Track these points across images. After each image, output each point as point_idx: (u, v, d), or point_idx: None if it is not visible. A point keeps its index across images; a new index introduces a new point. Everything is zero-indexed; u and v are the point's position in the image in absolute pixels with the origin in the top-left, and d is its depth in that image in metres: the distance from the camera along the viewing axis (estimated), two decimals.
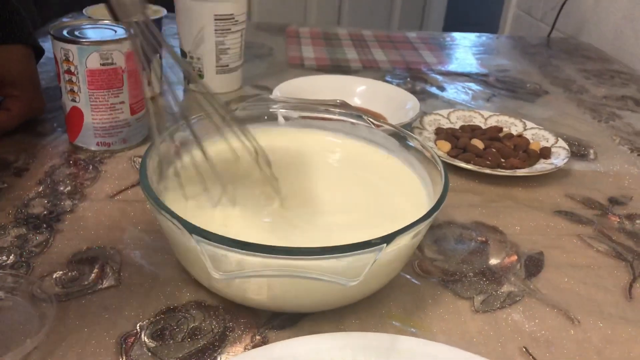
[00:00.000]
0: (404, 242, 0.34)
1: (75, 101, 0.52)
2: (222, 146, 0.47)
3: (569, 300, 0.40)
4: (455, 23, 2.20)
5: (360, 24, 2.06)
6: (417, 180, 0.45)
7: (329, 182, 0.45)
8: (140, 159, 0.54)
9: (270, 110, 0.50)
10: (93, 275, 0.39)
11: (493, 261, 0.44)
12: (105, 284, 0.38)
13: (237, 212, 0.39)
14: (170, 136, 0.45)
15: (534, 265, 0.44)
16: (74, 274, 0.39)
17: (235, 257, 0.31)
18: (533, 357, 0.35)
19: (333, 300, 0.35)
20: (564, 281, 0.42)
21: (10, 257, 0.40)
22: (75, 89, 0.52)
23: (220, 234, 0.31)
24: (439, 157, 0.42)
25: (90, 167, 0.52)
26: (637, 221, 0.51)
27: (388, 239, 0.32)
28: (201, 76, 0.71)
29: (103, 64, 0.51)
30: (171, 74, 0.75)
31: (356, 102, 0.68)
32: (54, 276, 0.39)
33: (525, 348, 0.36)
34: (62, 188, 0.49)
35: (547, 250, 0.46)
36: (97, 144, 0.54)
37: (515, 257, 0.44)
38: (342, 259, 0.30)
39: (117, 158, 0.54)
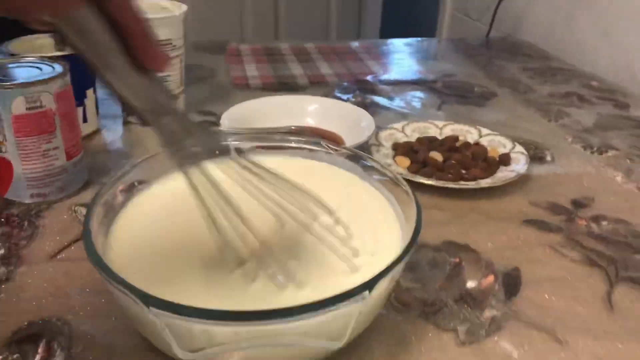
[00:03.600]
0: (385, 284, 0.31)
1: (1, 151, 0.47)
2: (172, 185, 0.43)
3: (553, 318, 0.39)
4: (393, 28, 2.22)
5: (298, 34, 2.05)
6: (384, 202, 0.42)
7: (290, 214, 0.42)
8: (81, 208, 0.50)
9: (223, 143, 0.46)
10: (38, 356, 0.34)
11: (470, 284, 0.42)
12: None
13: (187, 259, 0.36)
14: (113, 184, 0.40)
15: (512, 283, 0.42)
16: (15, 357, 0.34)
17: (200, 328, 0.27)
18: None
19: (314, 358, 0.32)
20: (544, 298, 0.41)
21: None
22: (0, 137, 0.47)
23: (178, 302, 0.27)
24: (402, 177, 0.40)
25: (26, 224, 0.47)
26: (603, 222, 0.50)
27: (370, 284, 0.29)
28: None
29: (30, 108, 0.46)
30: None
31: (309, 122, 0.65)
32: None
33: None
34: None
35: (522, 265, 0.44)
36: (32, 196, 0.49)
37: (492, 277, 0.43)
38: (324, 315, 0.28)
39: (55, 210, 0.49)
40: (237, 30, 2.02)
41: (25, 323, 0.37)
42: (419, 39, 1.11)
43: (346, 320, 0.29)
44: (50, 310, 0.38)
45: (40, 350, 0.35)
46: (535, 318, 0.39)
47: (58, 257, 0.43)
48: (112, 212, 0.39)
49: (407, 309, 0.39)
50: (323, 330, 0.28)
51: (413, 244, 0.33)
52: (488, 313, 0.39)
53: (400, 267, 0.32)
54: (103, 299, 0.39)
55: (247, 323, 0.27)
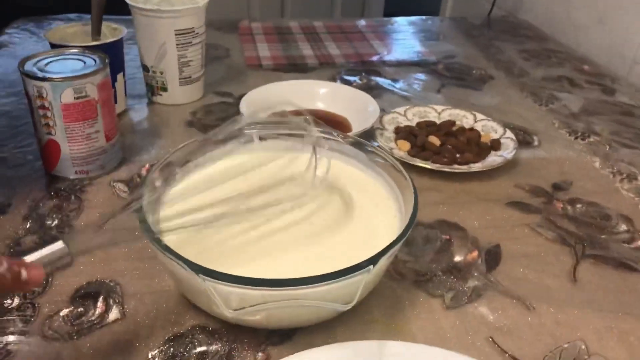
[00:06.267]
0: (385, 260, 0.38)
1: (51, 134, 0.54)
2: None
3: (525, 289, 0.46)
4: (396, 5, 2.25)
5: (303, 12, 2.11)
6: (386, 190, 0.49)
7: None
8: (119, 184, 0.57)
9: (245, 131, 0.53)
10: (98, 310, 0.42)
11: (457, 258, 0.49)
12: (111, 317, 0.41)
13: (224, 238, 0.43)
14: (156, 169, 0.46)
15: (492, 258, 0.49)
16: (80, 310, 0.42)
17: (239, 292, 0.35)
18: (499, 346, 0.41)
19: (325, 317, 0.40)
20: (519, 271, 0.48)
21: (15, 299, 0.42)
22: (51, 122, 0.53)
23: (219, 269, 0.34)
24: (402, 159, 0.47)
25: (73, 197, 0.54)
26: (578, 205, 0.57)
27: (374, 260, 0.36)
28: (165, 89, 0.73)
29: (77, 98, 0.52)
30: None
31: (319, 105, 0.71)
32: (61, 314, 0.41)
33: (491, 338, 0.41)
34: (49, 222, 0.51)
35: (502, 242, 0.51)
36: (76, 172, 0.56)
37: (476, 253, 0.50)
38: (335, 284, 0.35)
39: (96, 185, 0.56)
40: (244, 7, 2.07)
41: (84, 283, 0.44)
42: (423, 17, 1.16)
43: (355, 287, 0.36)
44: (103, 273, 0.45)
45: (99, 304, 0.42)
46: (510, 288, 0.46)
47: (104, 227, 0.51)
48: (156, 193, 0.46)
49: (402, 278, 0.47)
50: (336, 295, 0.36)
51: (410, 227, 0.40)
52: (471, 283, 0.46)
53: (398, 246, 0.39)
54: (146, 264, 0.46)
55: (277, 289, 0.34)
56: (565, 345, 0.41)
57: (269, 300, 0.35)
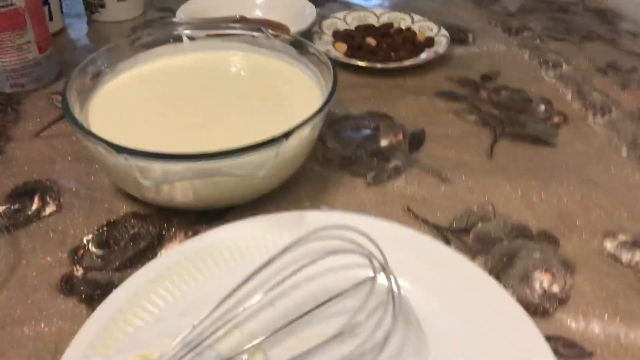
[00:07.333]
0: (303, 135, 0.41)
1: None
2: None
3: (443, 164, 0.49)
4: None
5: None
6: (313, 81, 0.51)
7: (235, 90, 0.50)
8: (57, 96, 0.57)
9: (175, 32, 0.53)
10: (35, 205, 0.44)
11: (383, 142, 0.52)
12: (48, 210, 0.44)
13: (151, 123, 0.45)
14: (82, 70, 0.47)
15: (416, 141, 0.52)
16: (17, 206, 0.44)
17: (159, 166, 0.37)
18: (412, 212, 0.44)
19: (250, 193, 0.42)
20: (440, 151, 0.51)
21: None
22: None
23: (140, 148, 0.36)
24: (333, 58, 0.48)
25: (9, 109, 0.55)
26: (502, 92, 0.60)
27: (287, 134, 0.38)
28: (102, 5, 0.72)
29: (2, 6, 0.52)
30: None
31: (257, 14, 0.72)
32: None
33: (407, 207, 0.44)
34: None
35: (427, 127, 0.54)
36: (11, 86, 0.57)
37: (401, 137, 0.53)
38: (250, 155, 0.37)
39: (33, 97, 0.57)
40: None
41: (21, 182, 0.46)
42: None
43: (268, 158, 0.38)
44: (40, 173, 0.47)
45: (35, 201, 0.44)
46: (429, 165, 0.49)
47: (41, 134, 0.52)
48: (85, 92, 0.47)
49: (329, 162, 0.49)
50: (252, 165, 0.38)
51: (326, 104, 0.42)
52: (393, 163, 0.49)
53: (312, 122, 0.41)
54: (82, 164, 0.48)
55: (190, 161, 0.36)
56: (474, 209, 0.44)
57: (184, 172, 0.37)
